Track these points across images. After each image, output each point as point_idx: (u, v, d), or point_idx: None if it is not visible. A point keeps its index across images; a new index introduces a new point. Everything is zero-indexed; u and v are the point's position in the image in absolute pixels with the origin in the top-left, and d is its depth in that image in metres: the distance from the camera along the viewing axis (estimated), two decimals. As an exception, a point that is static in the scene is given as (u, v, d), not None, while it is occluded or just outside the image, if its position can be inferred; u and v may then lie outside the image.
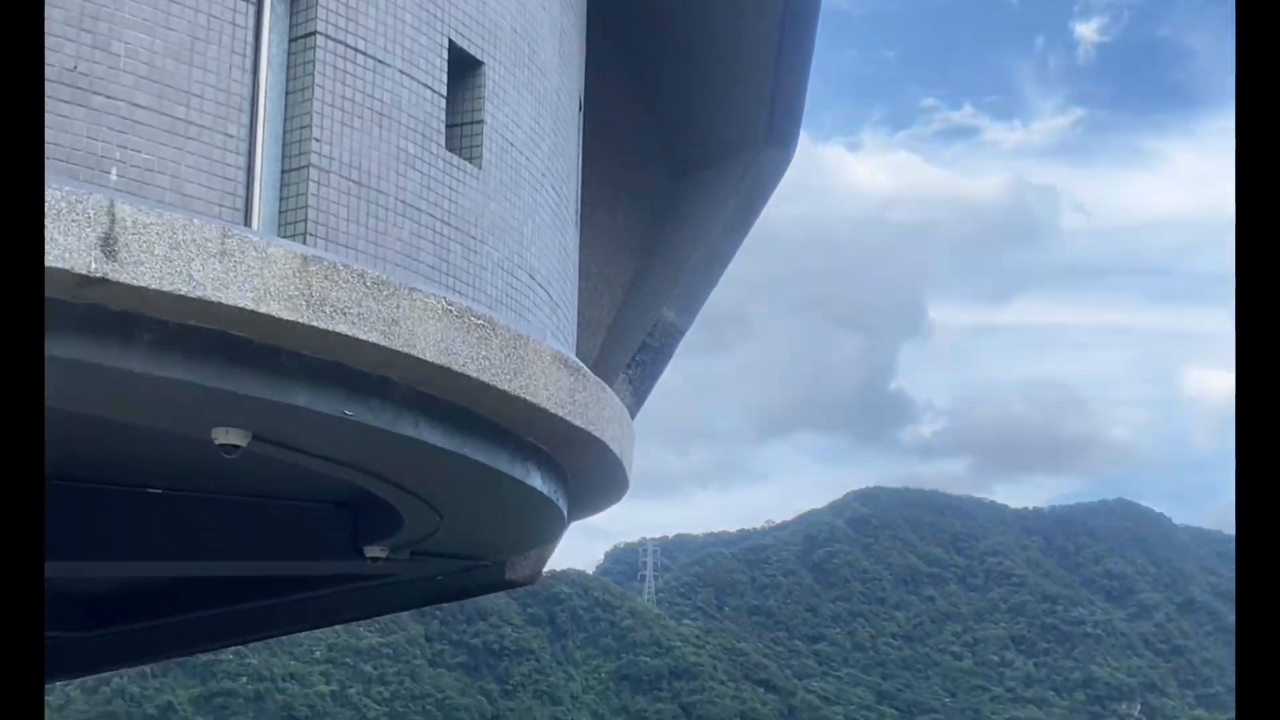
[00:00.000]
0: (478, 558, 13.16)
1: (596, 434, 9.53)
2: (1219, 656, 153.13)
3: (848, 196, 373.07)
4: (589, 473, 10.68)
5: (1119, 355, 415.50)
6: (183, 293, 6.28)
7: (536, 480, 9.70)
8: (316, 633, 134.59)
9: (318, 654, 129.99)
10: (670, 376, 17.07)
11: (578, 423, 9.10)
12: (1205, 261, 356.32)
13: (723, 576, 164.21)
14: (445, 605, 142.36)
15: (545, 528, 11.74)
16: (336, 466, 8.84)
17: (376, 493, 9.85)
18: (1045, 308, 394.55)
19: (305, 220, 7.50)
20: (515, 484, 9.40)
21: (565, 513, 11.01)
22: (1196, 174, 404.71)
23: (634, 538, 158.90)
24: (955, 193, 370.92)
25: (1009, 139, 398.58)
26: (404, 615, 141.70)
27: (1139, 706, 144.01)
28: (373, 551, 11.56)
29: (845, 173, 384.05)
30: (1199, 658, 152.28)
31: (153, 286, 6.17)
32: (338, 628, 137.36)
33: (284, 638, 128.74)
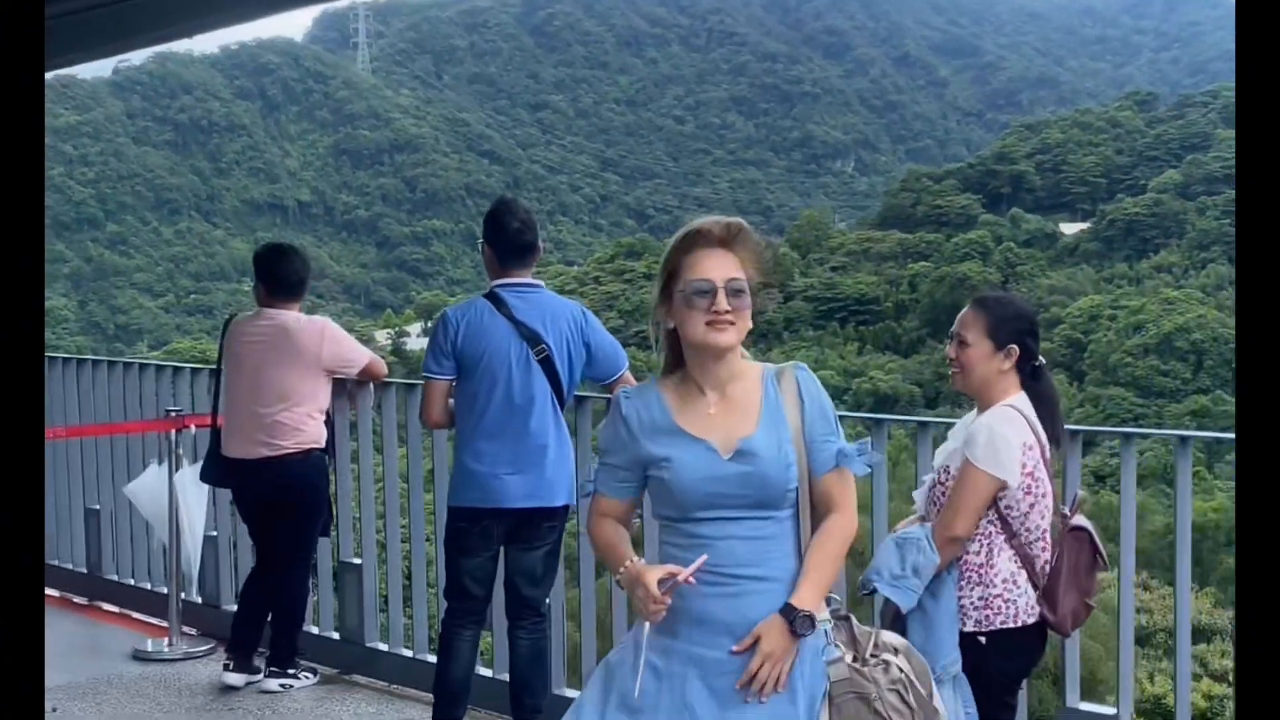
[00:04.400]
0: None
1: None
2: (929, 110, 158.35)
3: None
4: None
5: None
6: None
7: None
8: None
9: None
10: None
11: None
12: None
13: (440, 42, 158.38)
14: (144, 81, 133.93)
15: None
16: None
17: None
18: None
19: None
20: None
21: None
22: None
23: (343, 2, 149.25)
24: None
25: None
26: (101, 90, 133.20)
27: (853, 163, 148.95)
28: None
29: None
30: (911, 112, 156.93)
31: None
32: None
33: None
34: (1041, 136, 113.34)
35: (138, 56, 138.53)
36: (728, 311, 2.94)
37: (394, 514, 7.21)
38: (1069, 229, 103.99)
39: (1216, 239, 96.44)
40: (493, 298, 4.92)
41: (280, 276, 6.17)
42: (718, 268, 2.97)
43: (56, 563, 8.05)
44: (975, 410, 3.92)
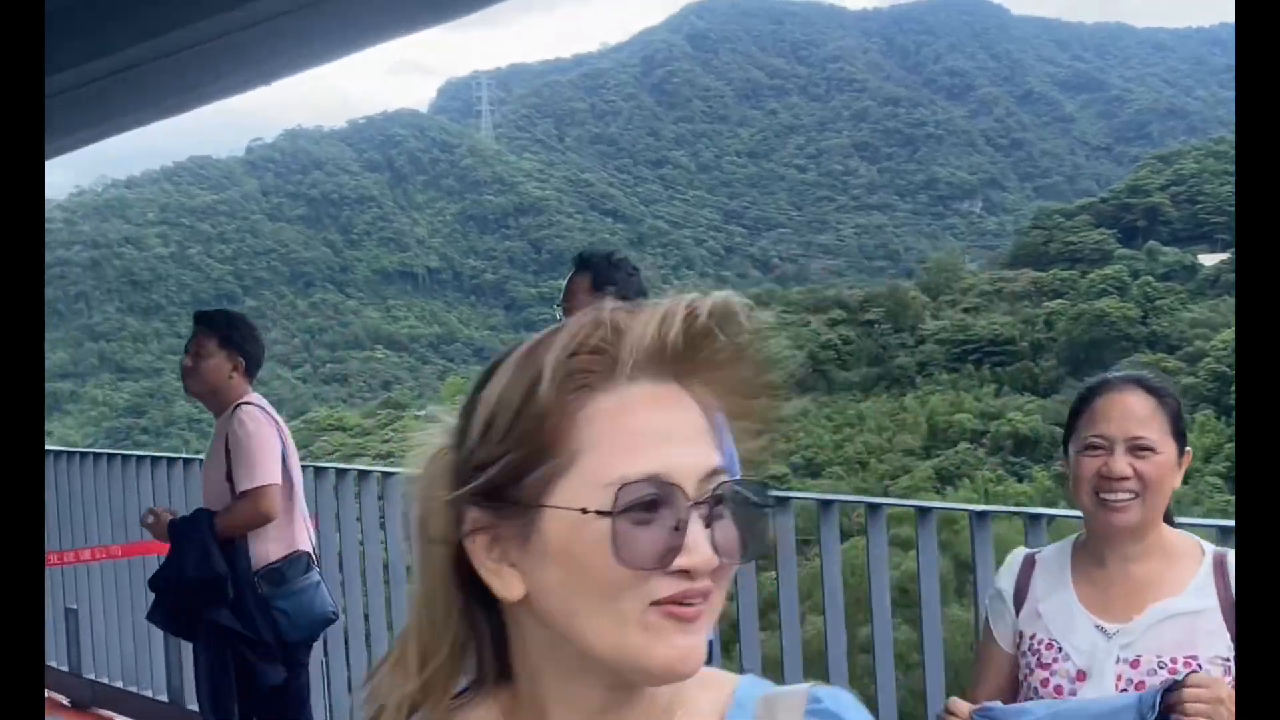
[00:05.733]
0: None
1: None
2: (1056, 147, 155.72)
3: None
4: None
5: None
6: None
7: None
8: (147, 193, 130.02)
9: (150, 216, 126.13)
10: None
11: None
12: None
13: (561, 106, 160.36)
14: (277, 159, 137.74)
15: None
16: None
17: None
18: None
19: None
20: None
21: None
22: None
23: (465, 72, 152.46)
24: None
25: None
26: (236, 169, 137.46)
27: (980, 203, 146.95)
28: None
29: None
30: (1038, 150, 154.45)
31: None
32: (167, 186, 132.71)
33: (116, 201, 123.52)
34: (1175, 168, 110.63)
35: (270, 134, 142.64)
36: None
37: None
38: (1208, 260, 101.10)
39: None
40: None
41: None
42: None
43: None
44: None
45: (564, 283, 4.31)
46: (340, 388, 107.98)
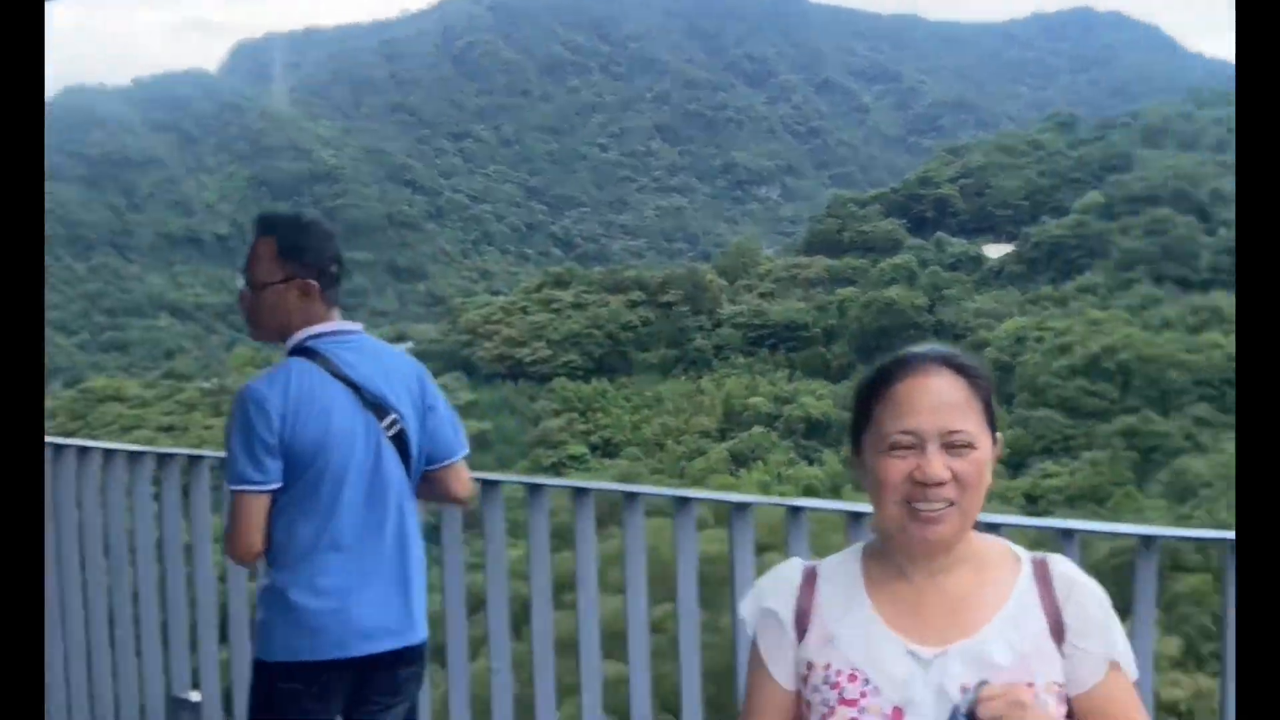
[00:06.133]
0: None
1: None
2: (852, 137, 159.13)
3: None
4: None
5: None
6: None
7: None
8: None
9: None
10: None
11: None
12: None
13: (359, 72, 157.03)
14: (55, 115, 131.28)
15: None
16: None
17: None
18: None
19: None
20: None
21: None
22: None
23: (259, 34, 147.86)
24: None
25: None
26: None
27: (778, 189, 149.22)
28: None
29: None
30: (834, 138, 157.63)
31: None
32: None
33: None
34: (964, 161, 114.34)
35: (47, 90, 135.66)
36: None
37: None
38: (994, 252, 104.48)
39: (1140, 259, 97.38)
40: (311, 353, 3.45)
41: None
42: None
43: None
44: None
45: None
46: (120, 356, 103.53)
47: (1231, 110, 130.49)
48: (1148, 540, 3.61)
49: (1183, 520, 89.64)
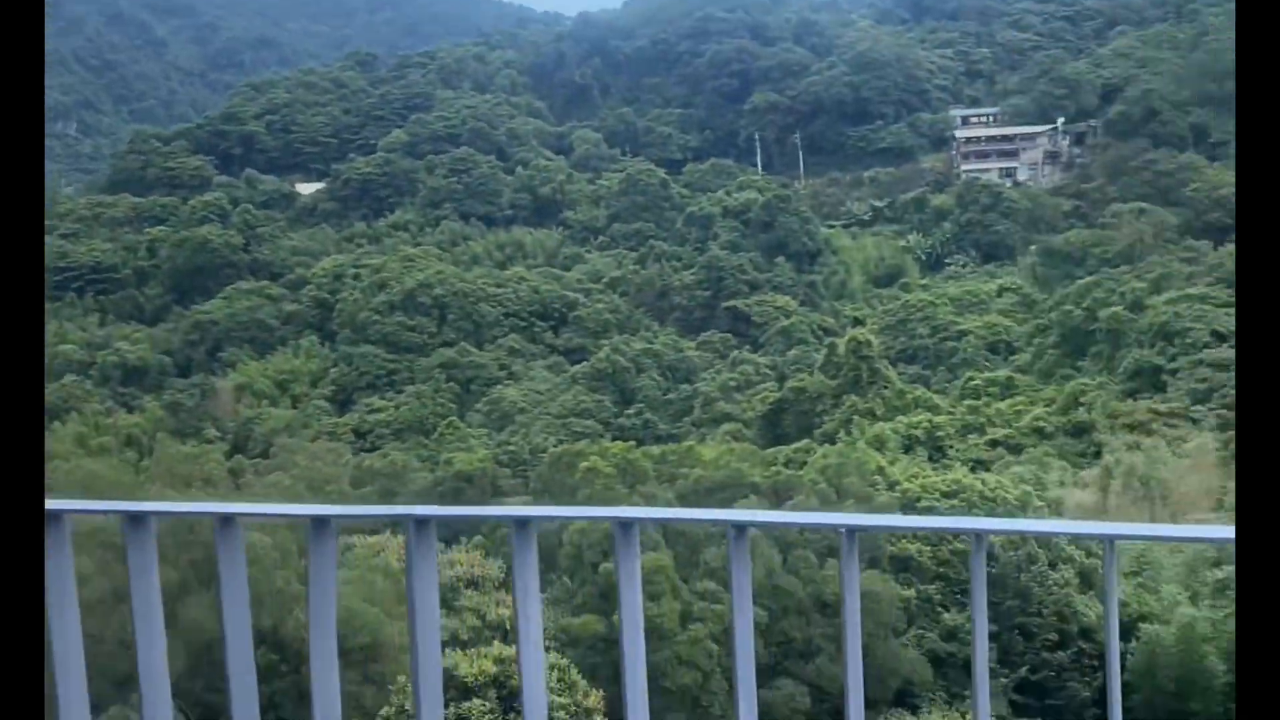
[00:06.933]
0: None
1: None
2: (150, 71, 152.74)
3: None
4: None
5: None
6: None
7: None
8: None
9: None
10: None
11: None
12: None
13: None
14: None
15: None
16: None
17: None
18: None
19: None
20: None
21: None
22: None
23: None
24: None
25: None
26: None
27: (75, 125, 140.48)
28: None
29: None
30: (131, 72, 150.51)
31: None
32: None
33: None
34: (269, 97, 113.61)
35: None
36: None
37: None
38: (306, 189, 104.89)
39: (447, 197, 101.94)
40: None
41: None
42: None
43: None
44: None
45: None
46: None
47: (520, 53, 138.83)
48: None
49: (503, 446, 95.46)
